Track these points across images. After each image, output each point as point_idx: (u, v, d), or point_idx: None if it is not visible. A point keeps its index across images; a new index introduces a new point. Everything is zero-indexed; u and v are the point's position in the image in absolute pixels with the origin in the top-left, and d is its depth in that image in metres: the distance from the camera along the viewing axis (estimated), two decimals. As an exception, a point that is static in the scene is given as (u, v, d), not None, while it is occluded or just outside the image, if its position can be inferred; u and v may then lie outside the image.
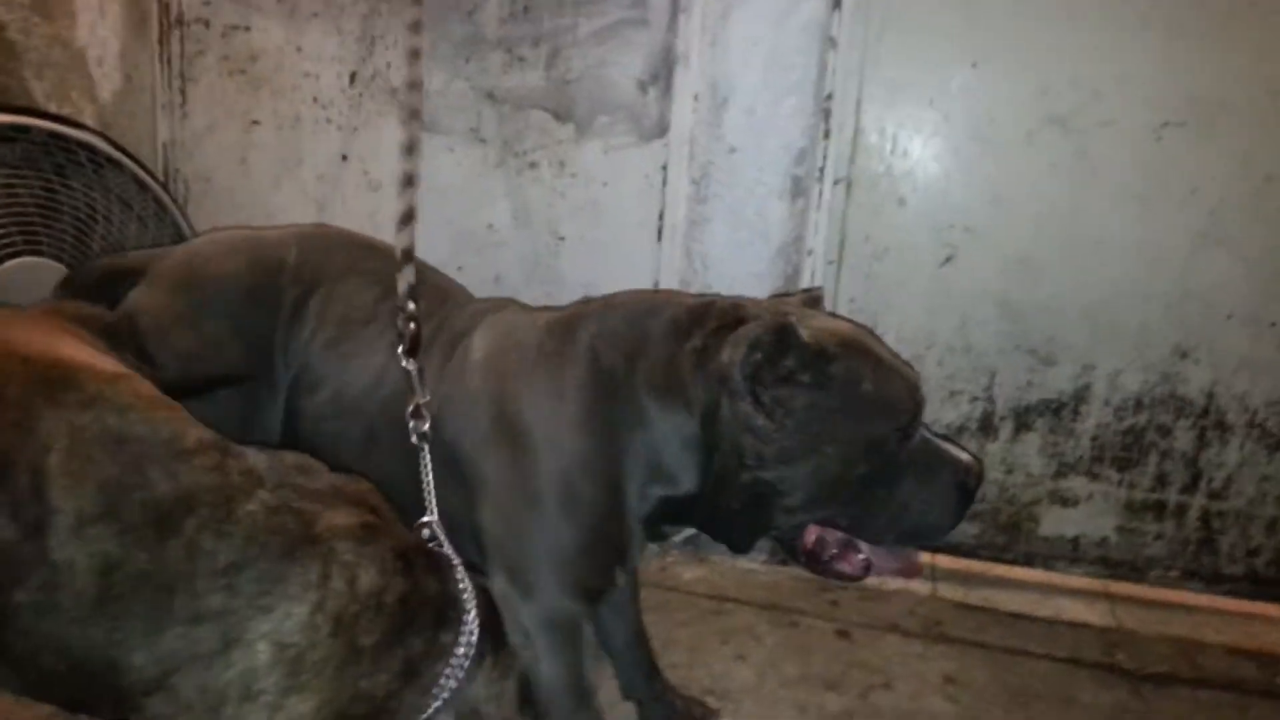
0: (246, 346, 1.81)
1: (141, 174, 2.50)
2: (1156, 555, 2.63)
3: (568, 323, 1.70)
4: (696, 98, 2.55)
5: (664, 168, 2.62)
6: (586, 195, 2.70)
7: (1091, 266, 2.51)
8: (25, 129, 2.33)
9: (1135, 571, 2.63)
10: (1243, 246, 2.44)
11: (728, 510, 1.53)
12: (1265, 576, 2.58)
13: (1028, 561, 2.69)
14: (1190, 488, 2.58)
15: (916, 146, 2.55)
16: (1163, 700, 2.21)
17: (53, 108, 2.66)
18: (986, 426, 2.64)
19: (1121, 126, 2.43)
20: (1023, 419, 2.63)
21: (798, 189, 2.53)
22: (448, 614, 1.39)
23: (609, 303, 1.72)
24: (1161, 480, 2.59)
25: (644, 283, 2.67)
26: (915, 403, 1.54)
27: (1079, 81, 2.43)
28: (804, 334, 1.48)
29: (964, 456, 1.57)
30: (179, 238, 2.57)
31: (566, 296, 2.82)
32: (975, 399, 2.65)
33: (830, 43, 2.47)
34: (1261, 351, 2.47)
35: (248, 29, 2.81)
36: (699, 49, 2.54)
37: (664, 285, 2.66)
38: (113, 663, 1.18)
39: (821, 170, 2.56)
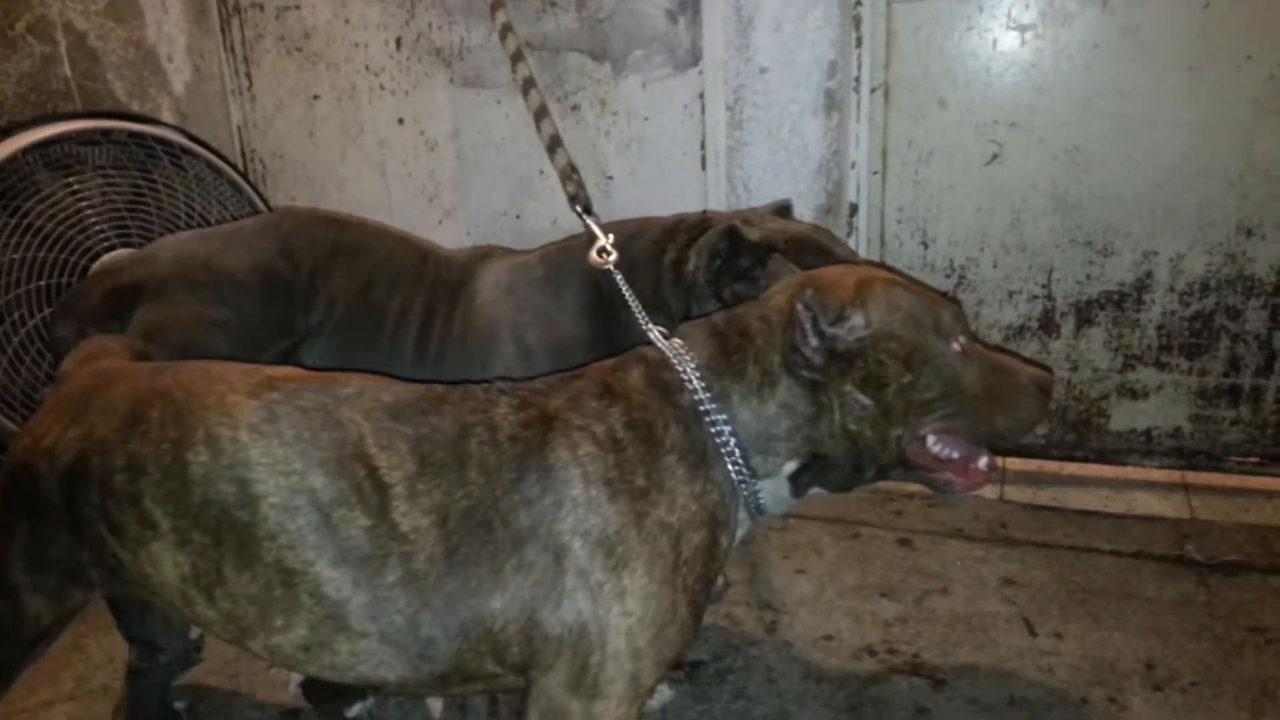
0: (276, 335, 1.93)
1: (215, 159, 2.70)
2: (1233, 441, 2.56)
3: (564, 256, 2.00)
4: (724, 21, 2.57)
5: (701, 96, 2.65)
6: (630, 131, 2.76)
7: (1144, 149, 2.42)
8: (108, 131, 2.55)
9: (1212, 460, 2.57)
10: (1308, 110, 2.33)
11: None
12: (1353, 453, 2.49)
13: (1100, 458, 2.66)
14: (1265, 369, 2.49)
15: (952, 43, 2.50)
16: (1229, 589, 2.19)
17: (134, 106, 2.88)
18: (1048, 324, 2.61)
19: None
20: (1084, 313, 2.58)
21: (832, 103, 2.53)
22: (665, 394, 1.36)
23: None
24: (1234, 364, 2.51)
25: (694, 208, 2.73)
26: None
27: (1116, -43, 2.33)
28: (753, 234, 1.67)
29: None
30: (255, 212, 2.77)
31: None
32: (1034, 297, 2.61)
33: (851, -51, 2.45)
34: (1334, 219, 2.36)
35: (298, 7, 2.95)
36: (721, -29, 2.55)
37: (713, 207, 2.71)
38: (479, 615, 1.26)
39: (857, 80, 2.55)
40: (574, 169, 1.95)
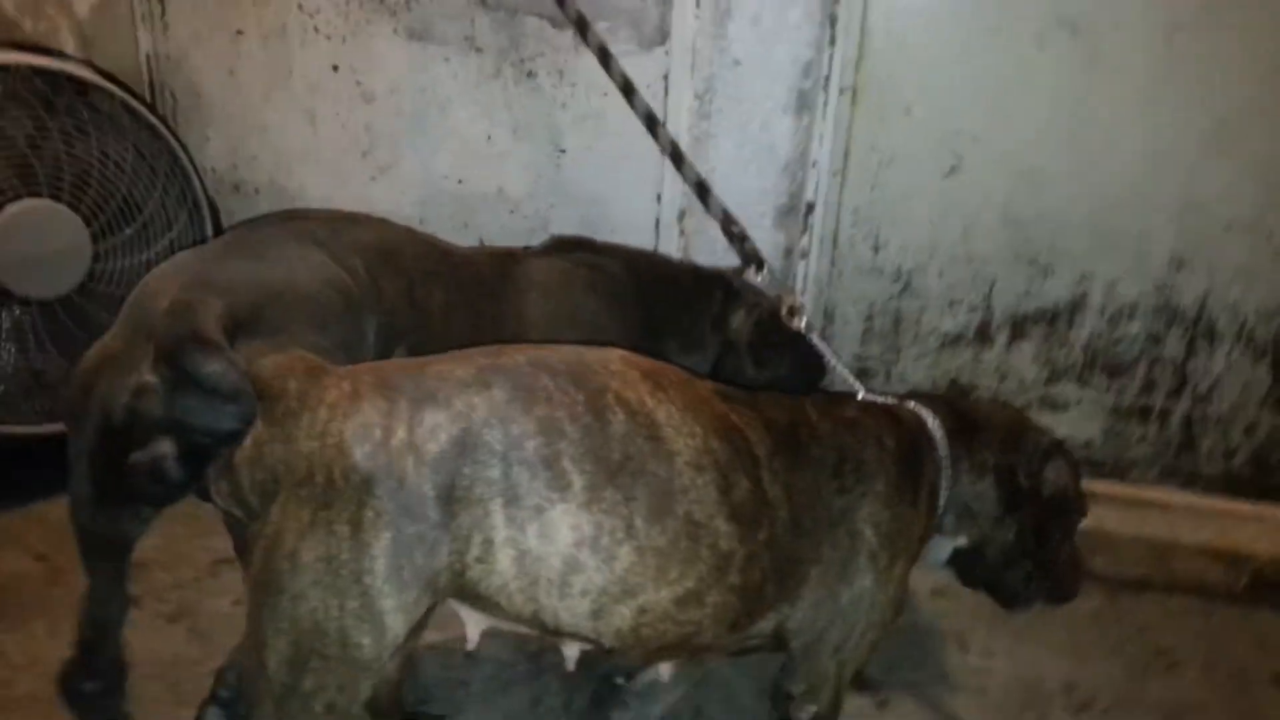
0: (359, 350, 1.78)
1: (130, 100, 2.44)
2: (1138, 456, 2.74)
3: (618, 272, 2.24)
4: (699, 4, 2.46)
5: (665, 77, 2.55)
6: (588, 106, 2.63)
7: (1097, 175, 2.50)
8: (4, 68, 2.26)
9: (1117, 472, 2.75)
10: (1248, 155, 2.43)
11: None
12: (1240, 475, 2.71)
13: (1017, 460, 2.80)
14: (1175, 393, 2.66)
15: (924, 51, 2.48)
16: (1135, 607, 2.39)
17: (27, 25, 2.56)
18: (983, 335, 2.70)
19: (1133, 28, 2.37)
20: (1019, 327, 2.68)
21: (803, 103, 2.49)
22: (920, 434, 1.67)
23: (632, 268, 2.27)
24: (1149, 386, 2.67)
25: (648, 197, 2.65)
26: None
27: (1091, -18, 2.36)
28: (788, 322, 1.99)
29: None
30: (174, 159, 2.53)
31: (571, 211, 2.82)
32: (974, 308, 2.69)
33: (838, -53, 2.38)
34: (1258, 261, 2.51)
35: (223, -70, 2.66)
36: (699, -48, 2.44)
37: (667, 199, 2.64)
38: (800, 580, 1.49)
39: (827, 79, 2.50)
40: (732, 218, 2.11)
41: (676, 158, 2.09)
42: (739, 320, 2.26)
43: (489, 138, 2.75)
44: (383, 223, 2.06)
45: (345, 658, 1.21)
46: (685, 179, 2.09)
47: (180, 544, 2.36)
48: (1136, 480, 2.75)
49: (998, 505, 1.69)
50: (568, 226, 2.80)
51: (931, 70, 2.49)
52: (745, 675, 2.08)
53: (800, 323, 1.94)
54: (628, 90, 2.13)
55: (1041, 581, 1.78)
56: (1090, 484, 2.68)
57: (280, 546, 1.21)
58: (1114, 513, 2.70)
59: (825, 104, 2.52)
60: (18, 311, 2.39)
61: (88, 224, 2.46)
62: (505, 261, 2.16)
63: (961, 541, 1.73)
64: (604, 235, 2.77)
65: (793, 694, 1.62)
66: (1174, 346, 2.61)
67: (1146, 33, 2.36)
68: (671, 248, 2.68)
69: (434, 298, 1.94)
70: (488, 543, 1.25)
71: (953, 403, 1.77)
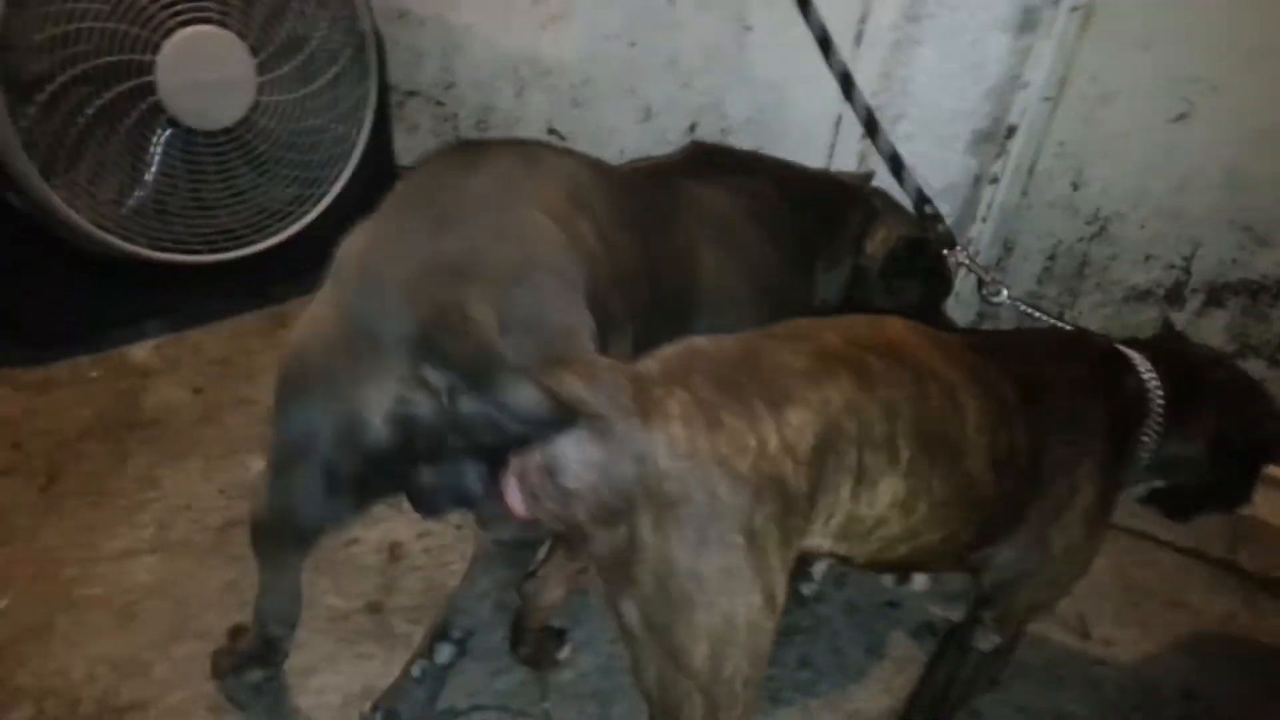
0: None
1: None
2: (1318, 445, 2.55)
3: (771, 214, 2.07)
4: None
5: (878, -37, 2.30)
6: (783, -17, 2.40)
7: (1347, 151, 2.21)
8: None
9: (1288, 457, 2.58)
10: None
11: None
12: None
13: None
14: (1380, 390, 2.44)
15: (1179, -21, 2.17)
16: (1273, 614, 2.27)
17: None
18: (1175, 296, 2.48)
19: None
20: (1216, 295, 2.45)
21: (1027, 22, 2.21)
22: (1142, 397, 1.70)
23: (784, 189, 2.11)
24: (1350, 378, 2.45)
25: (830, 94, 2.43)
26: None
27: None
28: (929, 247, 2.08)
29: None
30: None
31: (747, 93, 2.63)
32: (1171, 267, 2.46)
33: None
34: None
35: None
36: None
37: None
38: (1025, 519, 1.60)
39: (1059, -8, 2.22)
40: (926, 197, 2.13)
41: (871, 126, 1.91)
42: (874, 245, 2.17)
43: (671, 1, 2.55)
44: (569, 159, 1.74)
45: (755, 641, 1.30)
46: (879, 150, 1.92)
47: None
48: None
49: (1206, 461, 1.73)
50: (741, 110, 2.64)
51: (1184, 5, 2.18)
52: (856, 629, 2.09)
53: (1001, 297, 2.04)
54: (824, 44, 1.96)
55: (1221, 503, 1.87)
56: None
57: (675, 566, 1.23)
58: (1270, 498, 2.56)
59: (1053, 20, 2.24)
60: (183, 140, 2.39)
61: (254, 54, 2.41)
62: (670, 191, 1.91)
63: (1159, 484, 1.81)
64: (779, 127, 2.62)
65: (983, 621, 1.73)
66: (1391, 341, 2.38)
67: None
68: (850, 148, 2.50)
69: (632, 249, 1.69)
70: (832, 512, 1.39)
71: (1176, 360, 1.75)
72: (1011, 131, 2.38)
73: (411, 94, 3.03)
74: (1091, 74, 2.32)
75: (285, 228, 2.61)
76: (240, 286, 2.62)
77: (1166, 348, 1.80)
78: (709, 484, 1.22)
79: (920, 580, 2.21)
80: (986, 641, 1.73)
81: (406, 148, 3.11)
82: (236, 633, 1.83)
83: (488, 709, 1.84)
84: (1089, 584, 2.19)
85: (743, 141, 2.70)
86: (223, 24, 2.34)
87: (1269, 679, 2.16)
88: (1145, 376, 1.68)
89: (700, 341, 1.35)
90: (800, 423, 1.28)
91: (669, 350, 1.33)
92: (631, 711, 1.86)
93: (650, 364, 1.30)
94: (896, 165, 2.15)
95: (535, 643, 1.94)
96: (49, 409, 2.31)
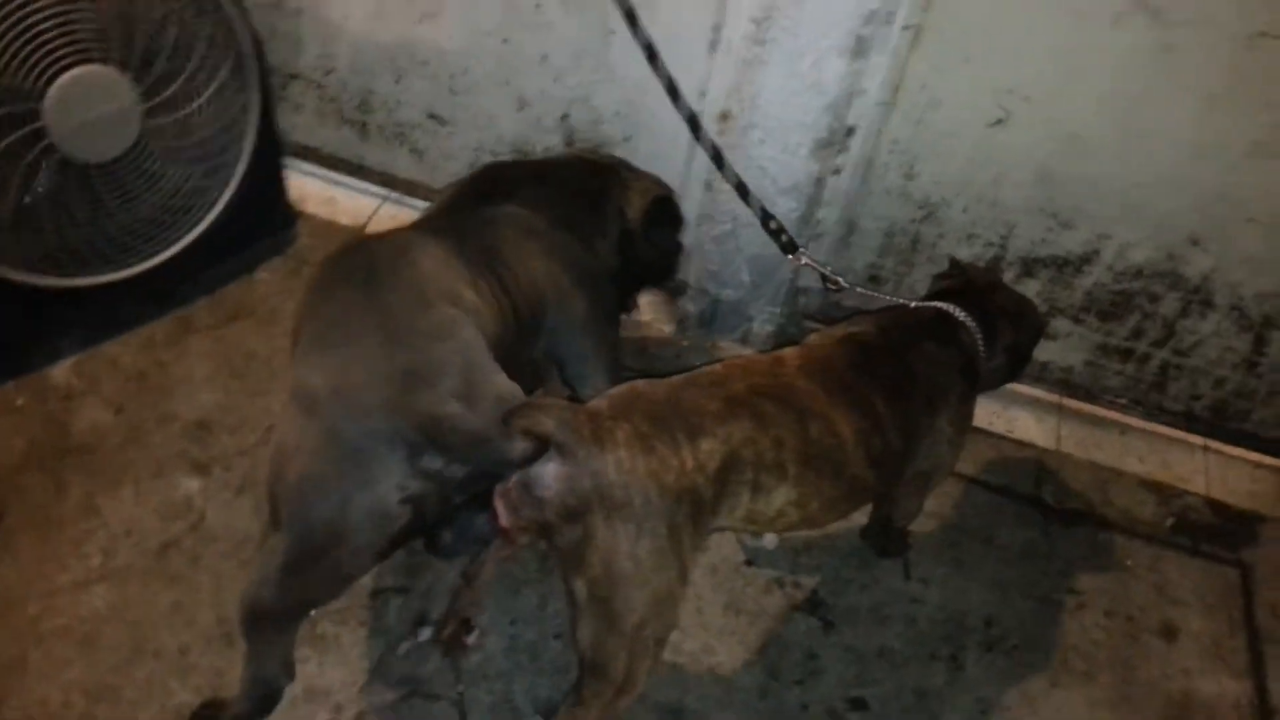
0: None
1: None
2: (1111, 386, 2.97)
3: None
4: (769, -79, 2.31)
5: (726, -11, 2.45)
6: (640, -3, 2.54)
7: (1138, 155, 2.52)
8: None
9: (1089, 396, 3.00)
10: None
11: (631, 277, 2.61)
12: (1200, 416, 2.96)
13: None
14: (1160, 344, 2.84)
15: (997, 6, 2.39)
16: (1064, 542, 2.70)
17: None
18: (993, 268, 2.80)
19: (1217, 27, 2.28)
20: (1028, 268, 2.80)
21: (860, 48, 2.41)
22: (972, 346, 2.21)
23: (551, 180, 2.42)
24: (1137, 334, 2.84)
25: (692, 94, 2.61)
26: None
27: (1182, -26, 2.24)
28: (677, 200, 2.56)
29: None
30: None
31: (614, 90, 2.80)
32: (990, 244, 2.79)
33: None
34: (1269, 253, 2.59)
35: None
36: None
37: (711, 99, 2.61)
38: (903, 473, 2.15)
39: (892, 14, 2.40)
40: (770, 215, 2.44)
41: (717, 159, 2.14)
42: (634, 210, 2.49)
43: (537, 6, 2.67)
44: (424, 239, 2.07)
45: (669, 607, 1.79)
46: (726, 178, 2.15)
47: (240, 402, 2.67)
48: (1105, 405, 3.00)
49: (1008, 363, 2.32)
50: (610, 104, 2.81)
51: (1000, 27, 2.41)
52: (715, 589, 2.48)
53: (840, 295, 2.52)
54: (672, 91, 2.18)
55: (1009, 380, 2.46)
56: (1062, 401, 3.01)
57: (617, 550, 1.68)
58: (1075, 430, 2.99)
59: (886, 37, 2.44)
60: (78, 174, 2.49)
61: (138, 83, 2.49)
62: (492, 225, 2.19)
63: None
64: (645, 121, 2.80)
65: (895, 518, 2.44)
66: (1169, 306, 2.75)
67: (1229, 34, 2.26)
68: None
69: (494, 288, 2.07)
70: (734, 509, 1.86)
71: (975, 300, 2.26)
72: (851, 131, 2.61)
73: (294, 77, 3.09)
74: (921, 83, 2.55)
75: (182, 236, 2.74)
76: (146, 294, 2.77)
77: (967, 291, 2.29)
78: (645, 492, 1.68)
79: (770, 538, 2.61)
80: (899, 522, 2.46)
81: (293, 125, 3.22)
82: (212, 705, 2.07)
83: (409, 693, 2.20)
84: (915, 529, 2.65)
85: (614, 131, 2.90)
86: (104, 61, 2.41)
87: (1057, 598, 2.61)
88: (969, 325, 2.20)
89: (640, 385, 1.83)
90: (709, 449, 1.74)
91: (616, 391, 1.81)
92: (531, 687, 2.24)
93: (601, 403, 1.77)
94: (743, 192, 2.42)
95: (454, 630, 2.31)
96: (-15, 441, 2.50)
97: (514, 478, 1.71)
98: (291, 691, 2.13)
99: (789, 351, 2.04)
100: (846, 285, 2.40)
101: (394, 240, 2.02)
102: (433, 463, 1.72)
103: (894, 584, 2.59)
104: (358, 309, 1.82)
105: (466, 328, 1.86)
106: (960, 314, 2.20)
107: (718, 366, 1.94)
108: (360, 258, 1.92)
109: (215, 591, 2.28)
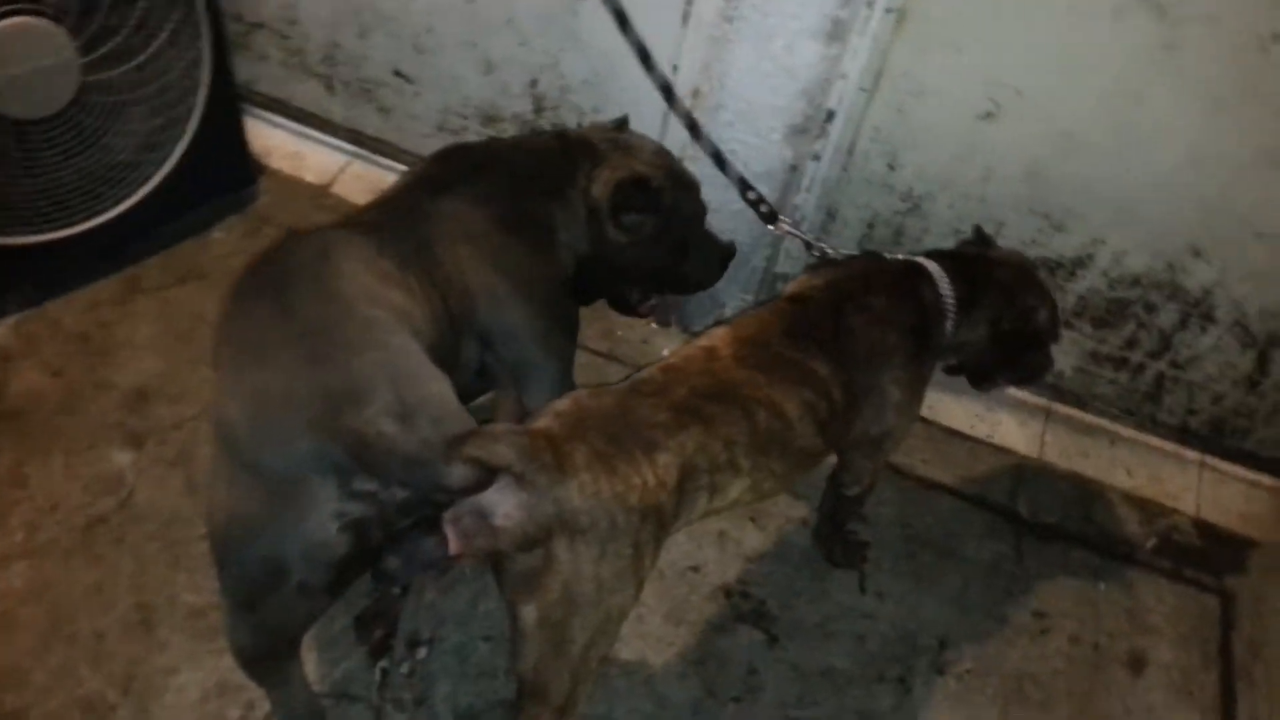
0: None
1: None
2: (1104, 394, 2.80)
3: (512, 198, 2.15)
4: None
5: (698, -41, 2.26)
6: (611, -37, 2.35)
7: (1137, 158, 2.33)
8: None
9: (1080, 403, 2.83)
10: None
11: (601, 275, 2.29)
12: (1194, 430, 2.79)
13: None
14: (1156, 355, 2.67)
15: (986, -11, 2.19)
16: (1035, 560, 2.57)
17: None
18: (980, 268, 2.63)
19: (1227, 26, 2.07)
20: (1018, 269, 2.61)
21: (836, 32, 2.22)
22: (934, 306, 2.09)
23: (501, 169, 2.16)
24: (1132, 343, 2.67)
25: (664, 67, 2.43)
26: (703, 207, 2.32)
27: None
28: (655, 181, 2.16)
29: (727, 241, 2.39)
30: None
31: (580, 58, 2.65)
32: (977, 242, 2.59)
33: None
34: (1275, 268, 2.38)
35: None
36: None
37: (683, 76, 2.44)
38: (850, 432, 2.06)
39: (872, -4, 2.21)
40: (749, 184, 2.31)
41: (693, 128, 2.06)
42: (598, 187, 2.19)
43: (508, -33, 2.50)
44: (348, 237, 1.89)
45: (619, 624, 1.76)
46: (703, 148, 2.07)
47: (182, 370, 2.59)
48: (1095, 412, 2.83)
49: (987, 342, 2.16)
50: (578, 73, 2.65)
51: (991, 14, 2.22)
52: (658, 597, 2.39)
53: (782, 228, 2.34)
54: (644, 58, 2.05)
55: (1009, 376, 2.30)
56: (1050, 407, 2.85)
57: (581, 575, 1.62)
58: (1060, 437, 2.83)
59: (868, 20, 2.25)
60: (15, 132, 2.39)
61: (75, 36, 2.37)
62: (427, 221, 2.01)
63: (952, 361, 2.27)
64: (614, 92, 2.64)
65: (843, 481, 2.30)
66: (1167, 318, 2.57)
67: (1240, 35, 2.06)
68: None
69: (425, 289, 1.90)
70: (692, 514, 1.82)
71: (967, 265, 2.14)
72: (831, 115, 2.43)
73: (257, 25, 2.95)
74: (904, 70, 2.35)
75: (130, 194, 2.65)
76: (94, 253, 2.69)
77: (964, 254, 2.19)
78: (610, 514, 1.62)
79: None
80: (849, 489, 2.31)
81: (258, 76, 3.09)
82: None
83: (327, 695, 2.14)
84: (872, 531, 2.53)
85: (583, 101, 2.74)
86: (37, 13, 2.30)
87: (1019, 621, 2.48)
88: (940, 283, 2.07)
89: (583, 399, 1.74)
90: (667, 463, 1.70)
91: (561, 407, 1.71)
92: (453, 693, 2.17)
93: (551, 423, 1.67)
94: (720, 161, 2.30)
95: (381, 634, 2.25)
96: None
97: (465, 505, 1.55)
98: (204, 685, 2.10)
99: (719, 334, 1.94)
100: (831, 251, 2.25)
101: (312, 242, 1.83)
102: (367, 484, 1.54)
103: (846, 598, 2.47)
104: (271, 325, 1.65)
105: (396, 334, 1.68)
106: (934, 269, 2.08)
107: (656, 372, 1.84)
108: (274, 266, 1.75)
109: (137, 575, 2.23)
